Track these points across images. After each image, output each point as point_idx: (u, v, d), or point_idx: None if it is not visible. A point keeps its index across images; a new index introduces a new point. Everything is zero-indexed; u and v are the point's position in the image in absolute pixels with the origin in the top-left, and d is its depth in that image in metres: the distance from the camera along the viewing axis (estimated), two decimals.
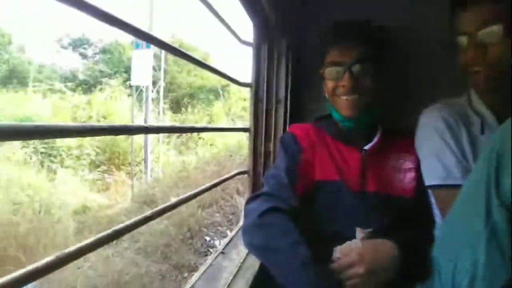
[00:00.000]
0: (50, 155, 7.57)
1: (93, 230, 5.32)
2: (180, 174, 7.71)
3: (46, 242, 4.16)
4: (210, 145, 12.87)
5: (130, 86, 13.96)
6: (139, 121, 8.34)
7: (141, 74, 7.62)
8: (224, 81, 20.44)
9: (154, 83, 8.25)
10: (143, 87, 7.79)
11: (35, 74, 16.18)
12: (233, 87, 22.60)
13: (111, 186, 7.92)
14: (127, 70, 17.52)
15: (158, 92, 7.97)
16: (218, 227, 5.36)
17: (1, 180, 5.68)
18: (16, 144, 7.61)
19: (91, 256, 4.35)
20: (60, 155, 8.00)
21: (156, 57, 8.06)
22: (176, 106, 15.62)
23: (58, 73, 20.62)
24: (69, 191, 6.53)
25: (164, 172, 8.53)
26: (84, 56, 21.94)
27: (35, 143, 8.11)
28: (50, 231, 4.42)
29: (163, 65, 8.20)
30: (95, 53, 21.84)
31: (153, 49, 7.66)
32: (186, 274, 4.16)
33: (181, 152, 12.38)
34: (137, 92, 8.06)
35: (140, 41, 7.74)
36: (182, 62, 18.64)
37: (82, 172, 8.00)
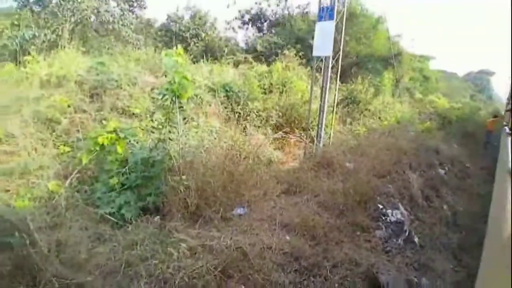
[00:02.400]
0: (244, 115, 9.22)
1: (277, 179, 6.39)
2: (350, 142, 8.08)
3: (251, 182, 5.37)
4: (379, 117, 12.62)
5: (301, 57, 14.98)
6: (317, 90, 8.98)
7: (323, 45, 8.06)
8: (396, 49, 18.96)
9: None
10: (324, 57, 8.26)
11: (223, 47, 19.25)
12: (406, 56, 20.67)
13: (288, 146, 9.06)
14: (298, 41, 18.63)
15: (336, 61, 8.28)
16: (391, 198, 5.51)
17: (216, 131, 7.41)
18: (221, 105, 9.64)
19: (282, 200, 5.38)
20: (250, 115, 9.65)
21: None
22: (342, 76, 15.67)
23: (241, 45, 23.80)
24: (257, 145, 7.81)
25: (334, 139, 9.05)
26: (260, 29, 24.43)
27: (233, 105, 10.04)
28: (252, 174, 5.64)
29: (343, 36, 8.38)
30: (270, 26, 23.93)
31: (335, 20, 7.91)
32: (358, 232, 4.58)
33: (345, 122, 12.67)
34: (317, 63, 8.61)
35: (322, 13, 8.15)
36: (351, 30, 18.27)
37: (265, 130, 9.42)
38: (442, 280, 3.77)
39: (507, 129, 8.59)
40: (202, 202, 4.61)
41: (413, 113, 13.80)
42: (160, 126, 5.32)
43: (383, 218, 4.98)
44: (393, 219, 4.96)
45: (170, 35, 19.52)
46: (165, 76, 5.93)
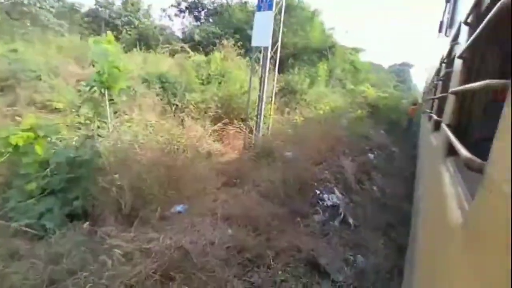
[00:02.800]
0: (181, 107, 8.84)
1: (217, 171, 6.27)
2: (289, 132, 8.25)
3: (190, 177, 5.16)
4: (314, 107, 13.12)
5: (239, 47, 14.89)
6: (255, 80, 8.95)
7: (261, 35, 8.04)
8: (330, 42, 19.88)
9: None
10: (262, 48, 8.24)
11: (158, 36, 18.33)
12: (339, 48, 21.80)
13: (227, 137, 8.93)
14: (236, 31, 18.49)
15: (275, 52, 8.33)
16: (327, 183, 5.74)
17: (151, 124, 6.98)
18: (157, 98, 9.12)
19: (223, 193, 5.27)
20: (188, 107, 9.29)
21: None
22: (281, 66, 15.94)
23: (176, 35, 22.88)
24: (196, 138, 7.57)
25: (273, 128, 9.16)
26: (197, 18, 23.76)
27: (169, 96, 9.57)
28: (191, 168, 5.42)
29: (281, 27, 8.44)
30: (207, 15, 23.39)
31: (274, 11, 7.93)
32: (298, 219, 4.69)
33: (282, 112, 12.93)
34: (255, 53, 8.58)
35: (261, 3, 8.11)
36: (289, 22, 18.66)
37: (204, 122, 9.17)
38: (375, 256, 4.03)
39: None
40: (137, 202, 4.29)
41: (345, 102, 14.66)
42: (88, 122, 4.82)
43: (321, 203, 5.17)
44: (329, 203, 5.18)
45: (98, 22, 17.96)
46: (93, 66, 5.34)
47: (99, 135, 4.69)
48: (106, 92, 4.43)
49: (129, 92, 8.49)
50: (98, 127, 4.70)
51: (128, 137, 5.64)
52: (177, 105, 8.74)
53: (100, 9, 19.34)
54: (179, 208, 4.62)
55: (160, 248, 3.42)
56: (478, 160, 0.97)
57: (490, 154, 0.85)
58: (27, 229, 3.58)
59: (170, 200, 4.63)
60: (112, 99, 4.63)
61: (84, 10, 19.53)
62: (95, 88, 4.41)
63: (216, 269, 3.31)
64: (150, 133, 6.61)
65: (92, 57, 4.73)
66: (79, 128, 5.56)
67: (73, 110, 6.98)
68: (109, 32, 4.54)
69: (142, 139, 6.14)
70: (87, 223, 3.84)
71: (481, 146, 1.32)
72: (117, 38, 14.58)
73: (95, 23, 17.94)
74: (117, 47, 5.59)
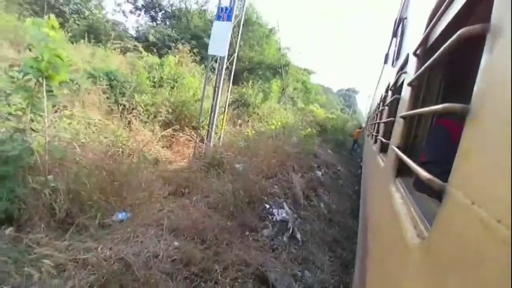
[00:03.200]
0: (129, 108, 8.37)
1: (165, 180, 6.00)
2: (240, 144, 8.23)
3: (135, 183, 4.83)
4: (266, 121, 13.33)
5: (195, 54, 14.71)
6: (209, 89, 8.84)
7: (218, 44, 8.02)
8: (284, 60, 20.56)
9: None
10: (218, 57, 8.21)
11: (110, 31, 17.41)
12: (292, 67, 22.66)
13: (177, 144, 8.64)
14: (193, 38, 18.30)
15: (231, 63, 8.34)
16: (277, 198, 5.78)
17: (95, 123, 6.49)
18: (103, 95, 8.55)
19: (170, 202, 5.03)
20: (137, 109, 8.83)
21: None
22: (234, 79, 16.10)
23: (129, 32, 21.95)
24: (143, 142, 7.19)
25: (224, 139, 9.09)
26: (154, 19, 23.10)
27: (117, 95, 9.03)
28: (137, 174, 5.09)
29: (239, 40, 8.51)
30: (164, 18, 22.87)
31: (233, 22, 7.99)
32: (247, 233, 4.64)
33: (234, 123, 12.95)
34: (211, 62, 8.51)
35: (221, 13, 8.12)
36: (246, 36, 18.99)
37: (153, 127, 8.78)
38: (321, 271, 4.10)
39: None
40: (74, 208, 3.88)
41: (296, 119, 15.16)
42: (20, 113, 4.25)
43: (270, 217, 5.17)
44: (278, 218, 5.20)
45: (42, 4, 16.34)
46: (30, 50, 4.77)
47: (32, 129, 4.16)
48: (44, 82, 3.96)
49: (72, 86, 7.84)
50: (32, 120, 4.17)
51: (68, 135, 5.15)
52: (124, 105, 8.25)
53: None
54: (121, 216, 4.29)
55: (98, 259, 3.13)
56: (438, 181, 1.00)
57: (451, 176, 0.88)
58: None
59: (112, 207, 4.27)
60: (51, 91, 4.16)
61: None
62: (31, 75, 3.92)
63: (161, 283, 3.11)
64: (93, 132, 6.14)
65: (30, 41, 4.22)
66: (8, 119, 4.91)
67: (2, 97, 6.19)
68: (52, 16, 4.08)
69: (84, 138, 5.66)
70: (11, 228, 3.35)
71: (426, 167, 1.39)
72: (62, 26, 13.53)
73: (38, 5, 16.34)
74: (61, 34, 5.12)
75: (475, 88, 0.84)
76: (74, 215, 3.79)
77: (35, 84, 3.94)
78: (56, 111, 5.81)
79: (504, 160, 0.60)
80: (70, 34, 12.79)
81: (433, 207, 1.43)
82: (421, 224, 1.19)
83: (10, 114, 4.89)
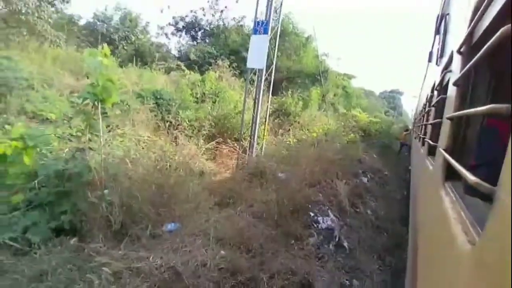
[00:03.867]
0: (175, 124, 8.84)
1: (210, 191, 6.19)
2: (282, 153, 8.28)
3: (183, 195, 5.07)
4: (307, 129, 13.26)
5: (234, 68, 15.13)
6: (249, 101, 9.04)
7: (256, 57, 8.21)
8: (323, 67, 20.36)
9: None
10: (257, 70, 8.39)
11: (154, 53, 18.52)
12: (332, 73, 22.35)
13: (220, 156, 8.90)
14: (232, 53, 18.86)
15: (269, 75, 8.48)
16: (321, 206, 5.70)
17: (144, 140, 6.92)
18: (150, 114, 9.11)
19: (216, 213, 5.18)
20: (182, 124, 9.28)
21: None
22: (274, 89, 16.21)
23: (172, 53, 23.19)
24: (189, 155, 7.50)
25: (266, 149, 9.18)
26: (194, 38, 24.19)
27: (163, 113, 9.57)
28: (184, 186, 5.34)
29: (276, 51, 8.65)
30: (204, 36, 23.86)
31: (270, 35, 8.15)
32: (293, 241, 4.63)
33: (276, 133, 13.02)
34: (250, 75, 8.72)
35: (258, 27, 8.33)
36: (283, 46, 19.16)
37: (197, 140, 9.14)
38: (371, 280, 3.96)
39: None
40: (128, 219, 4.17)
41: (338, 126, 14.87)
42: (80, 134, 4.69)
43: (315, 225, 5.12)
44: (324, 226, 5.13)
45: (96, 35, 18.04)
46: (87, 78, 5.27)
47: (90, 148, 4.58)
48: (99, 105, 4.35)
49: (123, 106, 8.47)
50: (90, 140, 4.58)
51: (120, 152, 5.56)
52: (170, 122, 8.73)
53: (98, 22, 19.52)
54: (170, 226, 4.51)
55: (150, 268, 3.32)
56: (487, 185, 0.97)
57: (500, 179, 0.85)
58: (11, 243, 3.41)
59: (161, 219, 4.52)
60: (105, 112, 4.56)
61: (82, 23, 19.64)
62: (88, 100, 4.32)
63: None
64: (143, 148, 6.55)
65: (86, 69, 4.68)
66: (70, 140, 5.44)
67: (65, 121, 6.88)
68: (105, 45, 4.51)
69: (134, 154, 6.06)
70: (75, 239, 3.70)
71: (477, 170, 1.33)
72: (113, 53, 14.64)
73: (92, 36, 18.01)
74: (112, 61, 5.59)
75: None
76: (127, 226, 4.06)
77: (92, 107, 4.33)
78: (109, 131, 6.31)
79: None
80: (119, 59, 13.83)
81: (485, 211, 1.37)
82: (472, 229, 1.15)
83: (71, 135, 5.44)
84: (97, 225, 3.94)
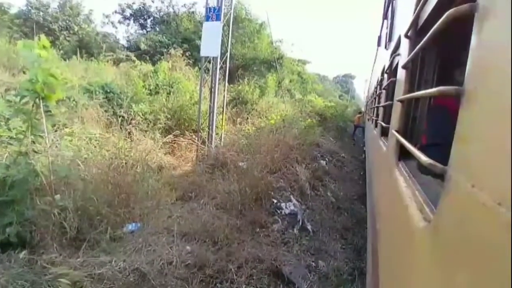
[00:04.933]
0: (128, 119, 8.39)
1: (171, 186, 6.02)
2: (242, 142, 8.25)
3: (141, 193, 4.86)
4: (265, 117, 13.31)
5: (188, 57, 14.69)
6: (205, 90, 8.84)
7: (210, 45, 8.00)
8: (278, 53, 20.47)
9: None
10: (211, 58, 8.19)
11: (101, 43, 17.39)
12: (287, 60, 22.54)
13: (179, 149, 8.66)
14: (184, 41, 18.23)
15: (224, 63, 8.33)
16: (283, 191, 5.80)
17: (96, 138, 6.52)
18: (100, 109, 8.58)
19: (178, 208, 5.06)
20: (136, 119, 8.84)
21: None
22: (230, 77, 15.98)
23: (121, 43, 21.91)
24: (145, 151, 7.19)
25: (226, 139, 9.10)
26: (143, 26, 23.02)
27: (115, 107, 9.05)
28: (142, 183, 5.11)
29: (230, 38, 8.49)
30: (154, 24, 22.78)
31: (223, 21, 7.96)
32: (258, 229, 4.67)
33: (234, 122, 12.94)
34: (204, 63, 8.49)
35: (210, 13, 8.09)
36: (237, 33, 18.90)
37: (153, 134, 8.80)
38: (335, 259, 4.13)
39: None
40: (84, 224, 3.90)
41: (295, 111, 15.13)
42: (21, 136, 4.25)
43: (279, 211, 5.20)
44: (287, 211, 5.22)
45: (31, 25, 16.32)
46: (24, 73, 4.75)
47: (34, 151, 4.17)
48: (41, 103, 3.95)
49: (69, 103, 7.88)
50: (33, 141, 4.17)
51: (70, 152, 5.18)
52: (123, 116, 8.27)
53: (32, 10, 17.67)
54: (131, 227, 4.32)
55: (113, 273, 3.17)
56: (439, 165, 1.00)
57: (451, 159, 0.88)
58: None
59: (121, 219, 4.30)
60: (49, 111, 4.15)
61: (13, 11, 17.59)
62: (28, 98, 3.91)
63: None
64: (95, 147, 6.16)
65: (23, 64, 4.20)
66: (10, 144, 4.93)
67: (2, 123, 6.21)
68: (42, 36, 4.06)
69: (86, 154, 5.69)
70: (25, 251, 3.38)
71: (429, 150, 1.38)
72: (54, 44, 13.49)
73: (27, 26, 16.28)
74: (52, 53, 5.10)
75: (467, 69, 0.84)
76: (85, 232, 3.81)
77: (33, 105, 3.93)
78: (56, 130, 5.83)
79: (500, 141, 0.60)
80: (61, 51, 12.79)
81: (439, 189, 1.44)
82: (426, 207, 1.19)
83: (11, 138, 4.91)
84: (49, 234, 3.63)
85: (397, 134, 2.04)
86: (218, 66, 8.04)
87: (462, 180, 0.76)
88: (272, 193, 5.60)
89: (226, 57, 8.33)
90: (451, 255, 0.78)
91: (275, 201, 5.44)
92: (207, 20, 8.07)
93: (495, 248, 0.57)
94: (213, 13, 7.94)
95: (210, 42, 7.96)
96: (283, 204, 5.39)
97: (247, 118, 13.55)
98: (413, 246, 1.23)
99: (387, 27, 4.85)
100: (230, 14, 8.37)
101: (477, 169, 0.70)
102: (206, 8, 8.18)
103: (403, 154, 2.03)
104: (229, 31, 8.50)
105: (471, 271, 0.66)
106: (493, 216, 0.57)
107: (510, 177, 0.53)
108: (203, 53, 8.23)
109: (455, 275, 0.74)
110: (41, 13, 17.65)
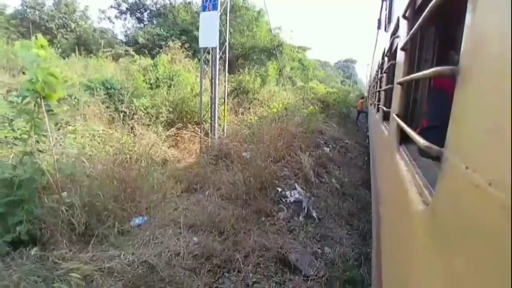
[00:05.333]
0: (130, 114, 8.40)
1: (176, 178, 6.05)
2: (244, 132, 8.25)
3: (147, 186, 4.90)
4: (267, 106, 13.26)
5: (187, 49, 14.57)
6: (206, 82, 8.80)
7: (208, 35, 7.92)
8: (277, 41, 20.24)
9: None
10: (211, 49, 8.13)
11: (99, 40, 17.29)
12: (286, 47, 22.28)
13: (182, 142, 8.69)
14: (182, 33, 18.07)
15: (223, 53, 8.26)
16: (288, 180, 5.81)
17: (99, 134, 6.55)
18: (102, 105, 8.60)
19: (184, 200, 5.10)
20: (138, 113, 8.86)
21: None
22: (230, 67, 15.82)
23: (119, 38, 21.78)
24: (148, 145, 7.21)
25: (228, 130, 9.10)
26: (140, 20, 22.82)
27: (116, 103, 9.06)
28: (147, 177, 5.15)
29: (228, 27, 8.39)
30: (151, 17, 22.57)
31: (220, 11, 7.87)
32: (263, 218, 4.70)
33: (236, 112, 12.91)
34: (204, 54, 8.43)
35: (206, 3, 7.99)
36: (235, 22, 18.67)
37: (156, 128, 8.81)
38: (341, 245, 4.16)
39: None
40: (92, 220, 3.95)
41: (297, 99, 15.03)
42: (25, 136, 4.28)
43: (284, 200, 5.22)
44: (292, 199, 5.24)
45: (27, 25, 16.28)
46: (23, 73, 4.75)
47: (39, 150, 4.21)
48: (43, 102, 3.96)
49: (71, 101, 7.91)
50: (37, 141, 4.20)
51: (74, 150, 5.22)
52: (125, 112, 8.29)
53: (28, 10, 17.55)
54: (138, 220, 4.37)
55: (122, 266, 3.23)
56: (436, 147, 0.99)
57: (447, 141, 0.87)
58: None
59: (128, 214, 4.35)
60: (51, 110, 4.17)
61: (9, 11, 17.49)
62: (29, 98, 3.92)
63: (185, 280, 3.20)
64: (98, 143, 6.20)
65: (22, 64, 4.21)
66: (15, 144, 4.99)
67: (6, 124, 6.25)
68: (39, 36, 4.05)
69: (90, 150, 5.73)
70: (36, 248, 3.45)
71: (429, 132, 1.37)
72: (52, 43, 13.43)
73: (24, 26, 16.21)
74: (50, 52, 5.08)
75: (462, 49, 0.83)
76: (93, 227, 3.87)
77: (34, 105, 3.95)
78: (59, 129, 5.86)
79: (493, 121, 0.59)
80: (60, 49, 12.76)
81: (437, 172, 1.44)
82: (425, 190, 1.19)
83: (16, 138, 4.96)
84: (59, 231, 3.69)
85: (397, 118, 2.03)
86: (218, 57, 7.97)
87: (457, 162, 0.76)
88: (277, 181, 5.62)
89: (225, 46, 8.26)
90: (449, 238, 0.79)
91: (279, 189, 5.46)
92: (203, 10, 7.97)
93: (488, 229, 0.57)
94: (209, 3, 7.83)
95: (208, 33, 7.88)
96: (288, 192, 5.40)
97: (249, 107, 13.50)
98: (413, 230, 1.23)
99: (386, 9, 4.77)
100: (227, 2, 8.26)
101: (470, 150, 0.70)
102: None
103: (404, 138, 2.02)
104: (226, 20, 8.39)
105: (467, 253, 0.66)
106: (486, 197, 0.57)
107: (501, 157, 0.53)
108: (202, 44, 8.15)
109: (453, 257, 0.74)
110: (37, 12, 17.54)
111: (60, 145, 5.18)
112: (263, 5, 20.63)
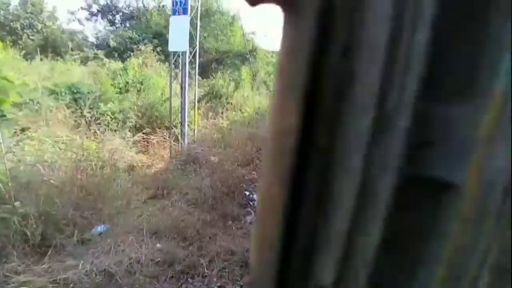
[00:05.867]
0: (96, 119, 8.14)
1: (142, 185, 5.94)
2: (214, 136, 8.22)
3: (110, 193, 4.77)
4: (240, 110, 13.26)
5: (159, 53, 14.38)
6: (176, 86, 8.70)
7: (178, 40, 7.85)
8: (251, 46, 20.40)
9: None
10: (181, 53, 8.07)
11: (67, 42, 16.72)
12: (261, 51, 22.44)
13: (151, 147, 8.53)
14: (155, 36, 17.78)
15: (194, 57, 8.23)
16: (255, 183, 5.86)
17: (62, 140, 6.33)
18: (67, 110, 8.31)
19: (149, 206, 5.02)
20: (104, 118, 8.59)
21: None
22: (203, 71, 15.67)
23: (89, 40, 21.12)
24: (115, 151, 7.04)
25: (199, 135, 9.03)
26: (112, 23, 22.23)
27: (82, 108, 8.76)
28: (111, 184, 5.02)
29: (199, 31, 8.38)
30: (123, 20, 22.08)
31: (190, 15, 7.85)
32: (230, 222, 4.71)
33: (208, 117, 12.80)
34: (174, 58, 8.35)
35: (176, 7, 7.94)
36: (209, 27, 18.63)
37: (124, 134, 8.58)
38: None
39: None
40: (49, 230, 3.81)
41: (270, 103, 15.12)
42: None
43: (251, 203, 5.26)
44: None
45: None
46: None
47: None
48: None
49: (33, 106, 7.59)
50: None
51: (32, 157, 5.02)
52: (91, 117, 8.03)
53: None
54: (100, 228, 4.25)
55: (79, 276, 3.14)
56: None
57: None
58: None
59: (89, 222, 4.23)
60: (4, 115, 4.02)
61: None
62: None
63: (146, 287, 3.16)
64: (60, 149, 5.99)
65: None
66: None
67: None
68: None
69: (51, 157, 5.51)
70: None
71: None
72: (16, 44, 12.82)
73: None
74: (9, 53, 4.89)
75: None
76: (50, 237, 3.73)
77: None
78: (14, 135, 5.59)
79: None
80: (24, 51, 12.21)
81: None
82: None
83: None
84: (11, 243, 3.54)
85: None
86: (187, 61, 7.93)
87: None
88: (244, 185, 5.65)
89: (195, 51, 8.23)
90: None
91: (247, 193, 5.50)
92: (174, 14, 7.91)
93: None
94: (179, 7, 7.78)
95: (178, 37, 7.83)
96: (255, 196, 5.44)
97: (222, 112, 13.42)
98: None
99: None
100: (198, 7, 8.25)
101: None
102: (172, 2, 7.99)
103: None
104: (197, 24, 8.37)
105: None
106: None
107: None
108: (171, 48, 8.09)
109: None
110: (1, 12, 16.73)
111: (13, 152, 4.93)
112: (237, 10, 20.66)
